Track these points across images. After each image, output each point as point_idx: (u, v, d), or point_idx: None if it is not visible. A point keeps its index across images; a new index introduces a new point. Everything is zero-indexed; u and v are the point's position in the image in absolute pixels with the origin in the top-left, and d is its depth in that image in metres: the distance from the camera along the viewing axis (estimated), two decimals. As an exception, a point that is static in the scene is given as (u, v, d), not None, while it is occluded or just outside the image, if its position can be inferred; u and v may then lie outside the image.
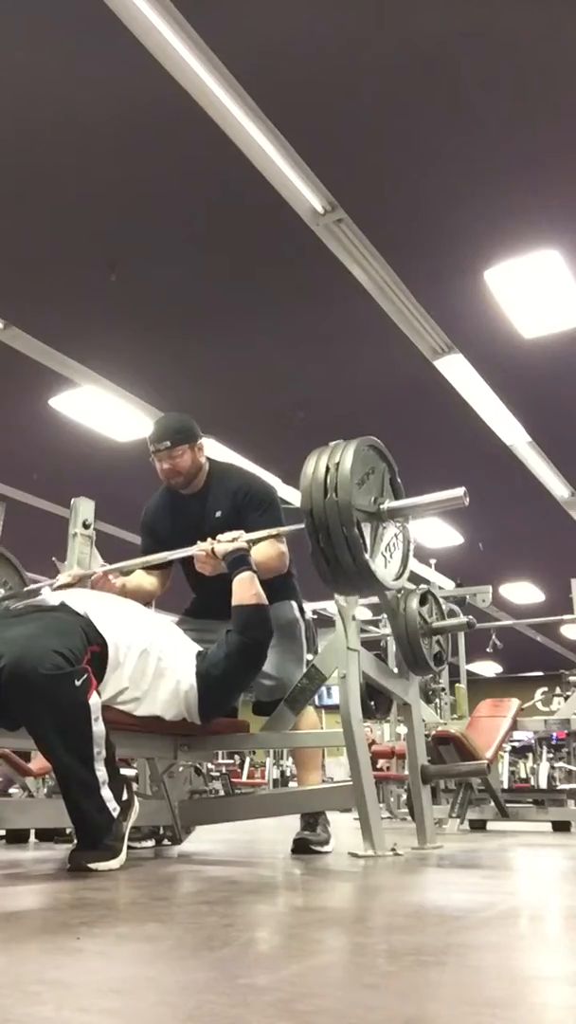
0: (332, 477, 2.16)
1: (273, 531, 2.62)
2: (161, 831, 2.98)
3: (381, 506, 2.27)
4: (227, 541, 2.53)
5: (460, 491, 2.28)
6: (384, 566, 2.29)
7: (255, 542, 2.58)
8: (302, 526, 2.25)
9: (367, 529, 2.22)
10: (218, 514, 2.81)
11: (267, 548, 2.68)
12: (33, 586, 3.10)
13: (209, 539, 2.57)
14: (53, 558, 3.08)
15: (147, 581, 2.94)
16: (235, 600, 2.47)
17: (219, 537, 2.55)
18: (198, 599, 3.00)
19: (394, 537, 2.38)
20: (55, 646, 1.98)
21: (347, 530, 2.12)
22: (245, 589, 2.47)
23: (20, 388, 5.97)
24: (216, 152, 3.77)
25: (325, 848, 2.68)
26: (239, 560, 2.50)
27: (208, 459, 2.93)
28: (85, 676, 2.00)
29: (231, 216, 4.27)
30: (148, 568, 2.92)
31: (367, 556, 2.16)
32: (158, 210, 4.26)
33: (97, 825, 2.03)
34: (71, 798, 2.04)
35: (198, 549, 2.57)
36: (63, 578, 2.78)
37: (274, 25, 3.24)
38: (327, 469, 2.18)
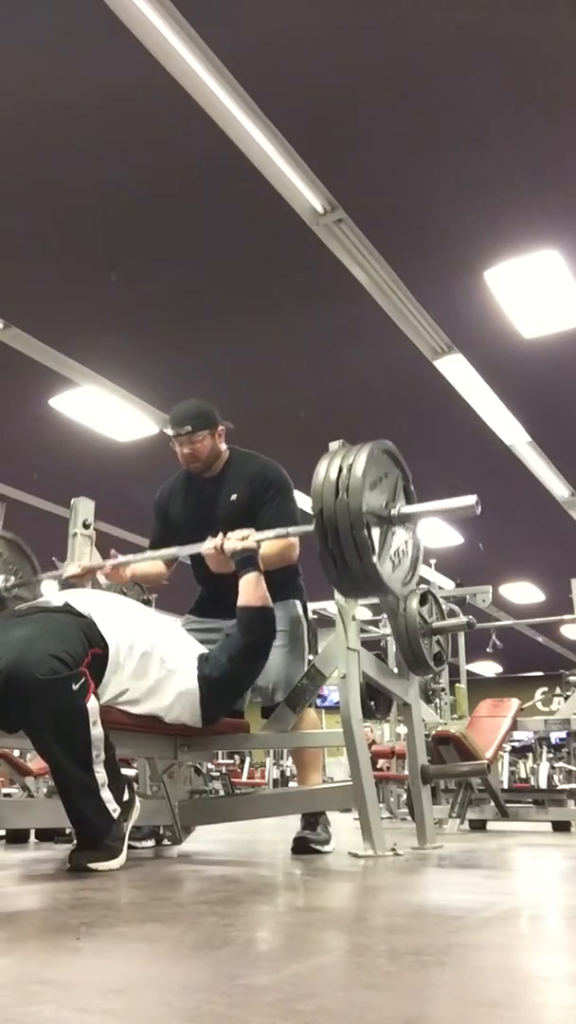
0: (344, 479, 2.15)
1: (283, 531, 2.61)
2: (161, 831, 2.98)
3: (392, 511, 2.27)
4: (237, 539, 2.52)
5: (472, 499, 2.26)
6: (392, 571, 2.27)
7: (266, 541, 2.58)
8: (311, 528, 2.25)
9: (377, 533, 2.21)
10: (233, 497, 2.82)
11: (278, 541, 2.67)
12: (44, 575, 3.09)
13: (220, 534, 2.56)
14: (53, 558, 3.08)
15: (153, 565, 2.96)
16: (241, 601, 2.48)
17: (229, 535, 2.54)
18: (204, 593, 3.00)
19: (404, 543, 2.37)
20: (53, 650, 1.98)
21: (356, 532, 2.11)
22: (251, 590, 2.47)
23: (20, 388, 5.96)
24: (216, 152, 3.77)
25: (326, 848, 2.68)
26: (247, 560, 2.50)
27: (229, 446, 2.95)
28: (83, 680, 1.99)
29: (231, 216, 4.27)
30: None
31: (375, 559, 2.15)
32: (158, 210, 4.26)
33: (96, 826, 2.03)
34: (70, 800, 2.03)
35: (208, 545, 2.56)
36: (72, 568, 2.80)
37: (274, 25, 3.24)
38: (340, 470, 2.17)
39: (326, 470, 2.20)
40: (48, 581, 3.11)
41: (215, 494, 2.86)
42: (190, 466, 2.86)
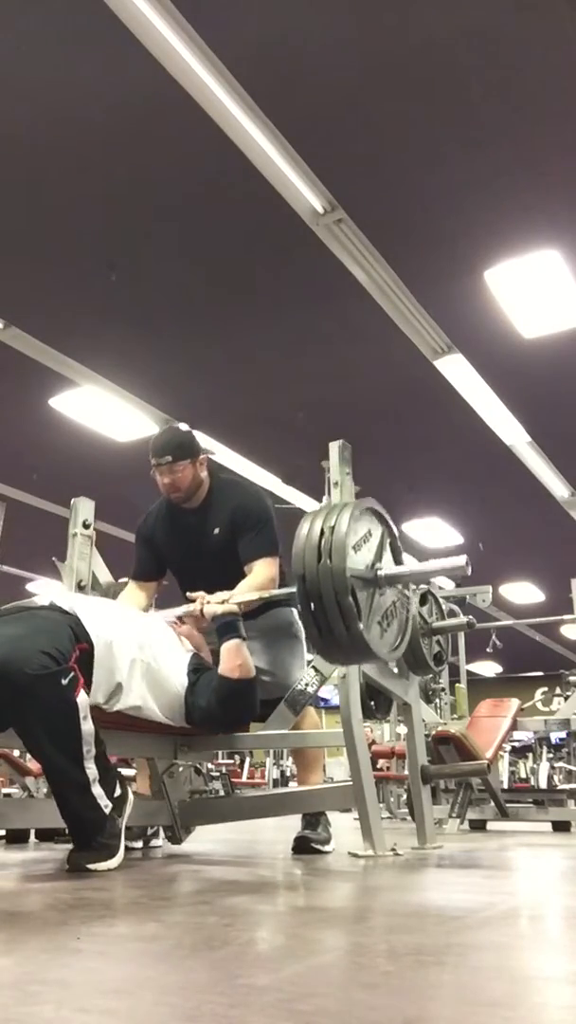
0: (327, 541, 2.05)
1: (265, 594, 2.57)
2: (148, 831, 2.99)
3: (379, 572, 2.18)
4: (217, 603, 2.49)
5: (462, 560, 2.22)
6: (380, 636, 2.20)
7: (246, 603, 2.53)
8: (293, 590, 2.17)
9: (363, 597, 2.12)
10: (216, 531, 2.81)
11: (262, 570, 2.68)
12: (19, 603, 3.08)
13: (201, 595, 2.53)
14: (53, 558, 3.08)
15: (138, 596, 2.94)
16: (222, 669, 2.42)
17: (209, 598, 2.51)
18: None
19: (392, 605, 2.28)
20: (42, 646, 1.98)
21: (341, 598, 2.02)
22: (232, 659, 2.41)
23: (20, 388, 5.96)
24: (216, 152, 3.77)
25: (326, 847, 2.69)
26: (228, 627, 2.45)
27: (210, 473, 2.92)
28: (72, 675, 2.00)
29: (231, 216, 4.27)
30: (140, 580, 2.95)
31: (361, 627, 2.06)
32: (158, 210, 4.26)
33: (90, 822, 2.03)
34: (63, 797, 2.04)
35: (186, 609, 2.55)
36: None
37: (274, 25, 3.24)
38: (321, 532, 2.08)
39: (308, 531, 2.10)
40: (48, 581, 3.11)
41: (199, 526, 2.84)
42: (171, 496, 2.84)
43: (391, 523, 2.31)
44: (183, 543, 2.85)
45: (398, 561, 2.30)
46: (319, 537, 2.07)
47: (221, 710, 2.38)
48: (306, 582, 2.06)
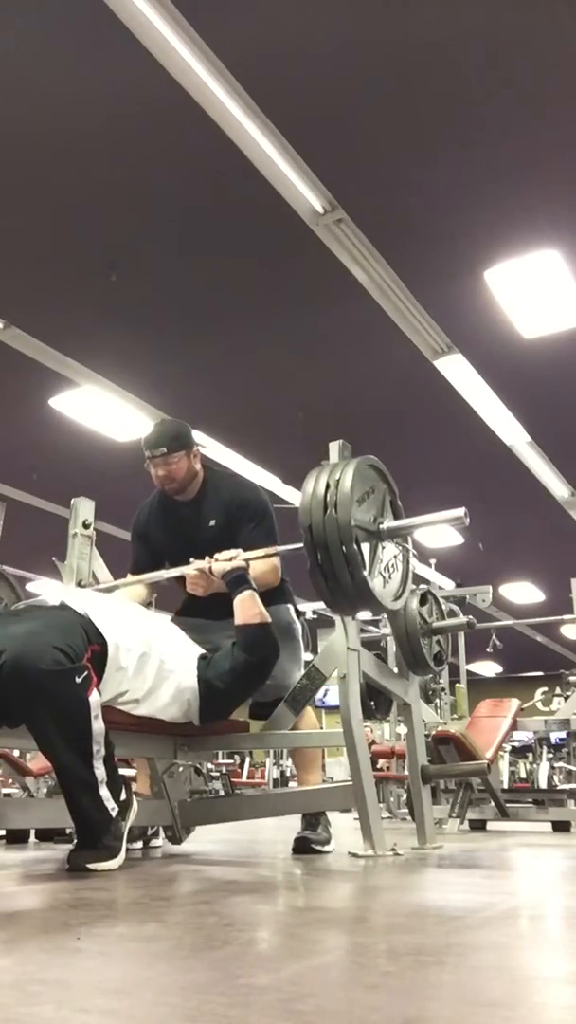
0: (332, 494, 2.14)
1: (271, 550, 2.61)
2: (148, 831, 2.99)
3: (381, 525, 2.26)
4: (225, 560, 2.51)
5: (460, 511, 2.27)
6: (383, 585, 2.27)
7: (255, 559, 2.57)
8: (300, 546, 2.24)
9: (366, 548, 2.20)
10: (212, 523, 2.81)
11: (261, 563, 2.68)
12: (28, 601, 3.09)
13: (207, 557, 2.56)
14: (53, 558, 3.08)
15: (137, 592, 2.95)
16: (239, 619, 2.47)
17: (217, 556, 2.54)
18: (188, 599, 3.00)
19: (394, 558, 2.36)
20: (56, 643, 1.98)
21: (346, 547, 2.10)
22: (248, 608, 2.47)
23: (20, 388, 5.97)
24: (216, 152, 3.77)
25: (326, 848, 2.68)
26: (239, 579, 2.49)
27: (204, 466, 2.93)
28: (85, 673, 2.00)
29: (231, 216, 4.28)
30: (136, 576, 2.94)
31: (365, 574, 2.15)
32: (158, 210, 4.26)
33: (95, 823, 2.04)
34: (71, 795, 2.04)
35: (194, 568, 2.56)
36: None
37: (274, 25, 3.24)
38: (327, 486, 2.16)
39: (313, 486, 2.19)
40: (48, 581, 3.11)
41: (193, 518, 2.85)
42: (166, 487, 2.84)
43: (392, 481, 2.39)
44: (178, 536, 2.84)
45: (398, 517, 2.37)
46: (325, 490, 2.16)
47: (247, 658, 2.43)
48: (312, 533, 2.14)
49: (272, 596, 2.74)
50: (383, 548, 2.30)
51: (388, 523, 2.29)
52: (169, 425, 2.91)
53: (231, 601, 2.51)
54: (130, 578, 2.88)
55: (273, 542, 2.74)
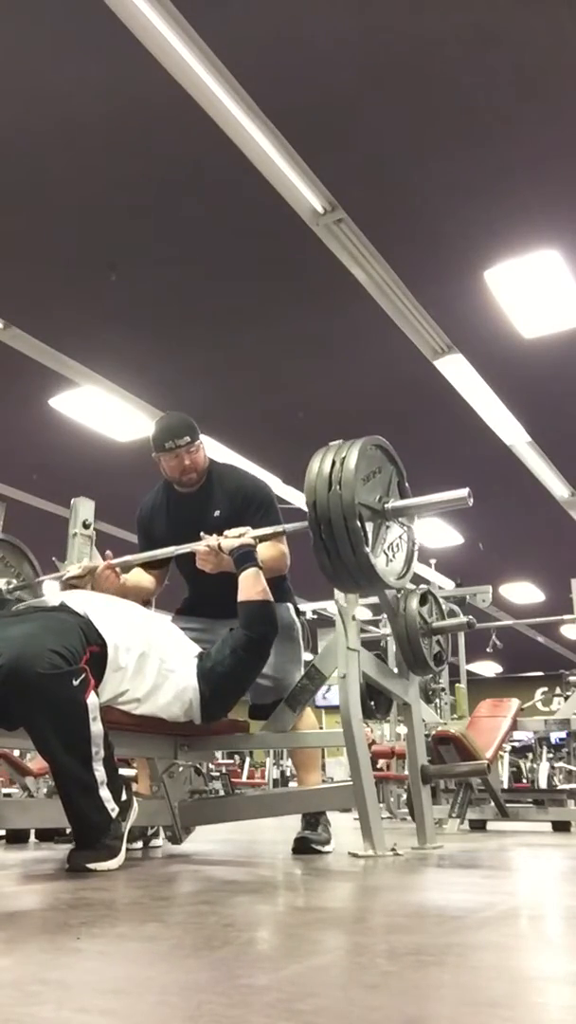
0: (337, 472, 2.18)
1: (279, 528, 2.64)
2: (148, 831, 2.99)
3: (386, 505, 2.29)
4: (234, 537, 2.54)
5: (464, 492, 2.30)
6: (386, 564, 2.29)
7: (262, 539, 2.60)
8: (305, 524, 2.27)
9: (370, 527, 2.23)
10: (217, 513, 2.82)
11: (269, 548, 2.69)
12: (45, 577, 3.09)
13: (215, 535, 2.57)
14: (53, 558, 3.08)
15: (146, 579, 2.95)
16: (241, 596, 2.49)
17: (226, 533, 2.56)
18: (192, 595, 3.00)
19: (398, 538, 2.38)
20: (53, 645, 1.98)
21: (349, 523, 2.13)
22: (252, 585, 2.49)
23: (20, 388, 5.96)
24: (216, 152, 3.77)
25: (326, 848, 2.69)
26: (246, 556, 2.52)
27: (208, 459, 2.95)
28: (83, 676, 2.00)
29: (231, 216, 4.27)
30: (146, 567, 2.93)
31: (368, 550, 2.17)
32: (158, 210, 4.26)
33: (95, 825, 2.03)
34: (69, 798, 2.04)
35: (204, 544, 2.57)
36: (74, 569, 2.80)
37: (274, 25, 3.24)
38: (333, 464, 2.20)
39: (319, 465, 2.22)
40: (49, 582, 3.11)
41: (199, 508, 2.85)
42: (184, 478, 2.84)
43: (399, 463, 2.42)
44: (183, 526, 2.81)
45: (404, 498, 2.40)
46: (330, 468, 2.20)
47: (246, 634, 2.45)
48: (317, 509, 2.18)
49: (273, 595, 2.74)
50: (388, 528, 2.33)
51: (392, 503, 2.31)
52: (182, 416, 2.90)
53: (234, 599, 2.52)
54: (144, 554, 2.85)
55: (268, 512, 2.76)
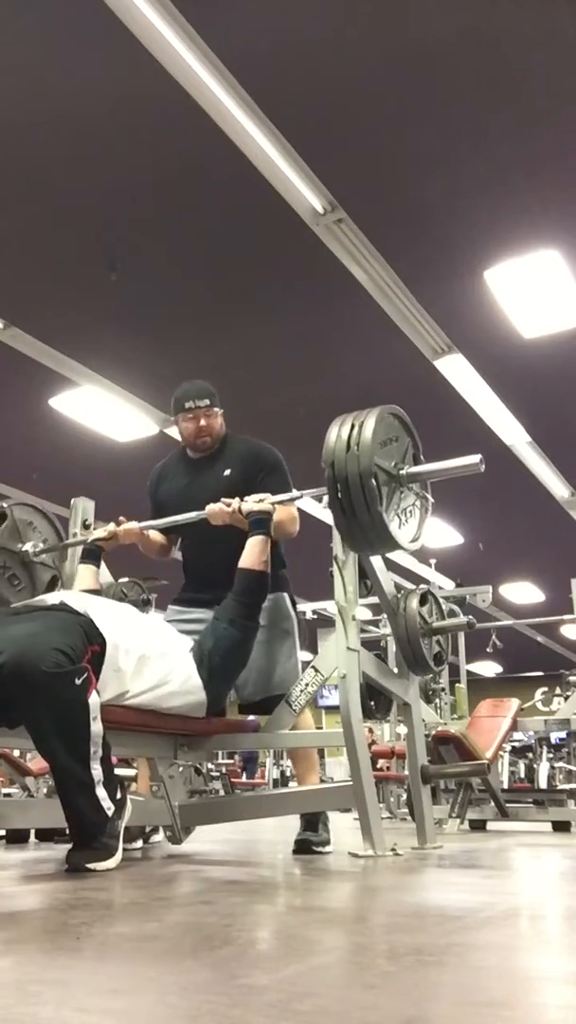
0: (355, 435, 2.28)
1: (296, 494, 2.70)
2: (147, 830, 2.99)
3: (401, 471, 2.38)
4: (255, 502, 2.60)
5: (476, 458, 2.38)
6: (399, 526, 2.37)
7: (281, 503, 2.68)
8: (322, 489, 2.35)
9: (385, 492, 2.32)
10: (227, 472, 2.89)
11: (281, 511, 2.74)
12: (69, 541, 3.05)
13: (237, 499, 2.63)
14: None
15: (159, 538, 3.01)
16: (244, 562, 2.53)
17: (247, 498, 2.64)
18: (188, 584, 2.99)
19: (412, 505, 2.48)
20: (57, 644, 1.98)
21: (365, 482, 2.22)
22: (258, 553, 2.54)
23: (20, 388, 5.96)
24: (216, 152, 3.77)
25: (326, 849, 2.69)
26: (261, 522, 2.57)
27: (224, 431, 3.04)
28: (86, 675, 2.00)
29: (231, 216, 4.27)
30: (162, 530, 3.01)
31: (382, 509, 2.25)
32: (158, 210, 4.26)
33: (92, 824, 2.04)
34: (67, 796, 2.04)
35: (222, 504, 2.62)
36: (99, 532, 2.86)
37: (274, 25, 3.24)
38: (352, 427, 2.30)
39: (338, 429, 2.32)
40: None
41: (209, 471, 2.93)
42: (198, 440, 2.93)
43: (416, 435, 2.50)
44: (192, 487, 2.89)
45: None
46: (349, 431, 2.30)
47: (239, 601, 2.52)
48: (335, 468, 2.28)
49: (273, 584, 2.75)
50: (402, 493, 2.42)
51: (408, 468, 2.41)
52: (203, 382, 3.02)
53: (224, 585, 2.56)
54: (163, 519, 2.87)
55: (288, 490, 2.78)
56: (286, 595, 2.91)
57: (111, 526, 2.86)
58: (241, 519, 2.59)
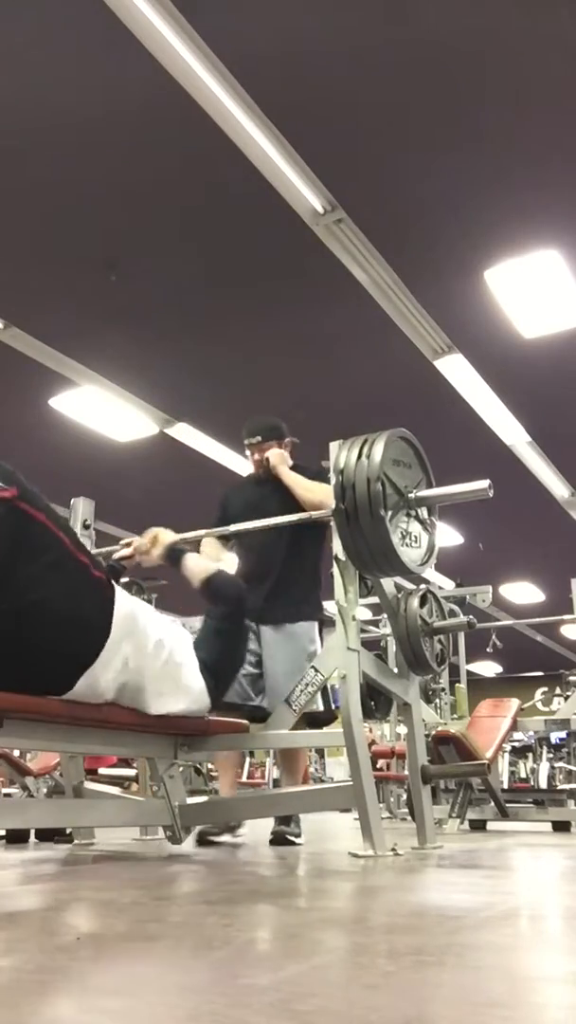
0: (368, 447, 2.39)
1: (308, 480, 3.05)
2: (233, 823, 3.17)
3: (409, 493, 2.46)
4: (276, 456, 3.15)
5: (484, 483, 2.49)
6: (401, 541, 2.44)
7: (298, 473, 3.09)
8: (330, 487, 2.47)
9: (391, 504, 2.38)
10: (274, 491, 3.23)
11: (319, 486, 2.97)
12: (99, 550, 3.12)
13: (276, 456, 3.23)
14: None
15: (215, 545, 3.26)
16: (194, 584, 2.68)
17: (278, 453, 3.19)
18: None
19: (419, 531, 2.56)
20: None
21: (372, 485, 2.29)
22: (191, 576, 2.68)
23: (20, 388, 5.96)
24: (216, 152, 3.77)
25: (299, 840, 3.06)
26: (170, 556, 2.75)
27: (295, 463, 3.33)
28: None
29: (231, 216, 4.27)
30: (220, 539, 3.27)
31: (384, 513, 2.31)
32: (158, 210, 4.26)
33: None
34: None
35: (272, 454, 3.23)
36: (124, 552, 2.95)
37: (274, 25, 3.24)
38: (364, 441, 2.41)
39: (350, 445, 2.43)
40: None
41: (265, 488, 3.29)
42: (259, 469, 3.34)
43: (428, 466, 2.62)
44: (252, 499, 3.27)
45: None
46: (361, 444, 2.41)
47: (220, 611, 2.62)
48: (343, 474, 2.37)
49: (306, 608, 3.11)
50: (409, 516, 2.50)
51: (417, 492, 2.50)
52: (263, 418, 3.44)
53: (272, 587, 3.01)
54: (200, 531, 3.05)
55: (321, 483, 2.98)
56: (316, 624, 3.18)
57: (137, 541, 2.91)
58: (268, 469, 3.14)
